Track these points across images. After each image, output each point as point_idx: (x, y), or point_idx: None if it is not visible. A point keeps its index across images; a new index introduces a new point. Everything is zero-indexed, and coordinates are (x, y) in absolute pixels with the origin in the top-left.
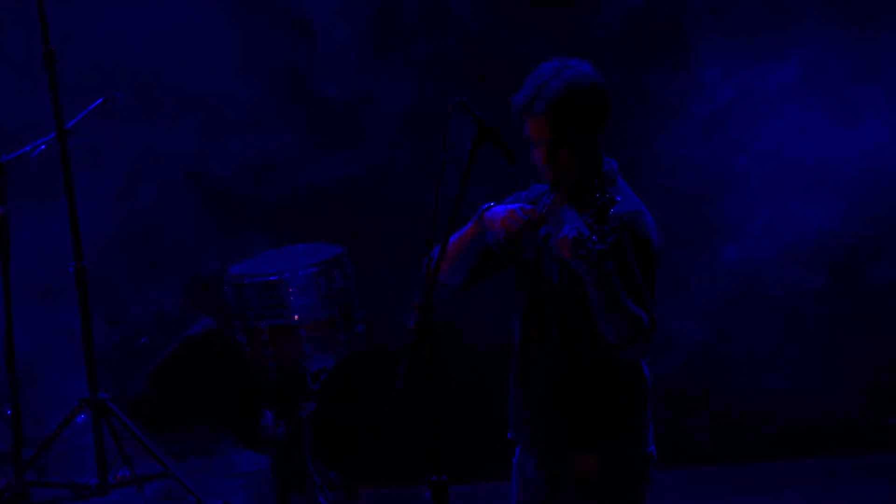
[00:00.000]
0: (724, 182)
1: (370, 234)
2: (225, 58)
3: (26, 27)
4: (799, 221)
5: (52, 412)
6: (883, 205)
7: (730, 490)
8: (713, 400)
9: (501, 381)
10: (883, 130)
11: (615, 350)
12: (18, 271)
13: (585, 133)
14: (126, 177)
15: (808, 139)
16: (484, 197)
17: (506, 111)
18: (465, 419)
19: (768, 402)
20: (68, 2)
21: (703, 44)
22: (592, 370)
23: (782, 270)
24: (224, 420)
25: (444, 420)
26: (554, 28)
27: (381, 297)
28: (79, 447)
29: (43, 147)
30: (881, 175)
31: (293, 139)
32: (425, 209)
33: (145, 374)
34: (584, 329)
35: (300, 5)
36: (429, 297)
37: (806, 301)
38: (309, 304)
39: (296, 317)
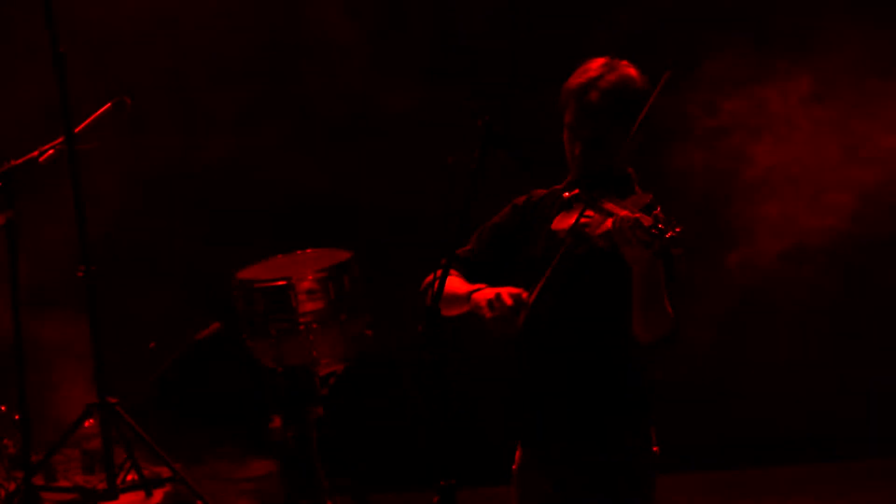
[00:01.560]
0: (731, 188)
1: (378, 238)
2: (219, 60)
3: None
4: (807, 228)
5: (61, 416)
6: (892, 213)
7: (740, 494)
8: (722, 404)
9: (509, 382)
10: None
11: (644, 348)
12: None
13: (628, 130)
14: (124, 178)
15: (818, 148)
16: (488, 199)
17: (507, 117)
18: (474, 422)
19: (778, 406)
20: None
21: (707, 51)
22: (597, 370)
23: (790, 276)
24: (232, 424)
25: (453, 424)
26: (558, 40)
27: (389, 302)
28: (87, 451)
29: (51, 152)
30: (890, 183)
31: (296, 141)
32: (431, 213)
33: (154, 378)
34: (590, 329)
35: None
36: (436, 302)
37: (815, 306)
38: (317, 308)
39: (304, 321)
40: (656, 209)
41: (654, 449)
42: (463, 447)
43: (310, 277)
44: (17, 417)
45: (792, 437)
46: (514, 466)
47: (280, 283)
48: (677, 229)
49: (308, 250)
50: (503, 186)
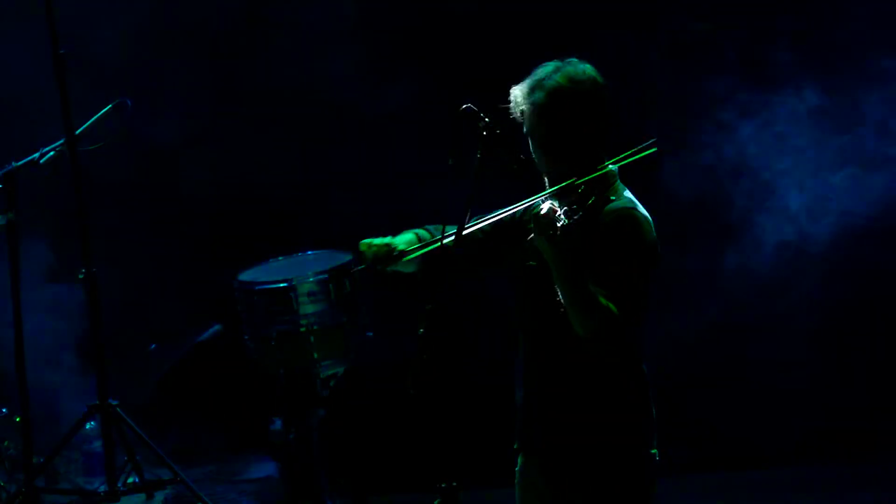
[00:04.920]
0: (731, 189)
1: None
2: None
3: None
4: (807, 229)
5: (62, 418)
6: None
7: (740, 495)
8: (722, 404)
9: (510, 386)
10: None
11: (586, 342)
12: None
13: (583, 127)
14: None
15: (819, 149)
16: (494, 201)
17: (508, 117)
18: (475, 425)
19: (779, 406)
20: None
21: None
22: (594, 375)
23: (791, 276)
24: (233, 426)
25: (454, 426)
26: (559, 41)
27: (389, 304)
28: (88, 453)
29: (52, 153)
30: (891, 185)
31: (294, 142)
32: (432, 214)
33: (155, 380)
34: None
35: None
36: (438, 304)
37: (814, 306)
38: (318, 310)
39: (305, 323)
40: (586, 198)
41: (654, 451)
42: (464, 449)
43: (311, 279)
44: (18, 419)
45: (792, 437)
46: (515, 469)
47: (281, 284)
48: (574, 217)
49: (309, 252)
50: (503, 186)
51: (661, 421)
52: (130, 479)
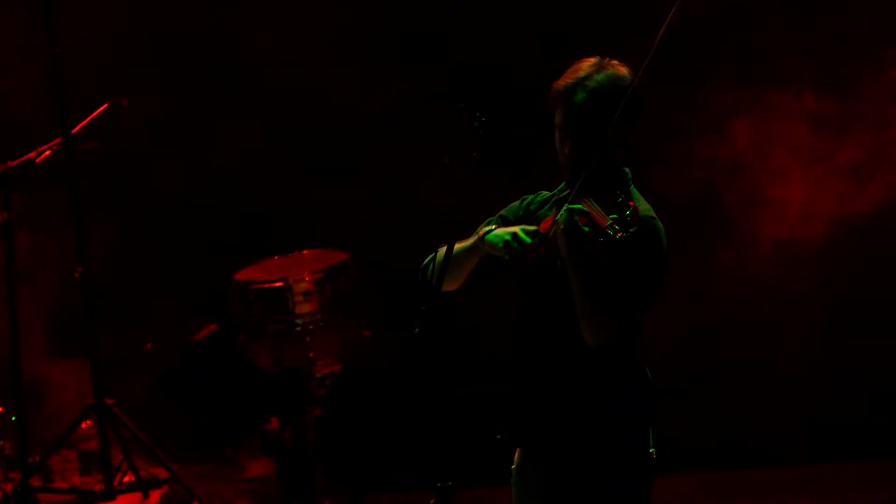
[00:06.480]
0: (728, 189)
1: (375, 239)
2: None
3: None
4: (805, 229)
5: (59, 417)
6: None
7: (738, 495)
8: (720, 403)
9: (506, 384)
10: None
11: (593, 347)
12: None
13: (620, 127)
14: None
15: (816, 149)
16: (490, 201)
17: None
18: (472, 424)
19: (777, 405)
20: None
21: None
22: (594, 373)
23: (790, 276)
24: (229, 425)
25: (451, 425)
26: (558, 44)
27: (386, 303)
28: (84, 452)
29: (48, 152)
30: (890, 186)
31: (291, 141)
32: (429, 213)
33: (151, 379)
34: None
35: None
36: (434, 302)
37: (814, 306)
38: (314, 309)
39: (300, 322)
40: (627, 212)
41: (652, 451)
42: (460, 448)
43: (306, 278)
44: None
45: (791, 437)
46: (512, 467)
47: (277, 284)
48: (630, 230)
49: (305, 251)
50: (501, 186)
51: (659, 419)
52: (126, 479)
